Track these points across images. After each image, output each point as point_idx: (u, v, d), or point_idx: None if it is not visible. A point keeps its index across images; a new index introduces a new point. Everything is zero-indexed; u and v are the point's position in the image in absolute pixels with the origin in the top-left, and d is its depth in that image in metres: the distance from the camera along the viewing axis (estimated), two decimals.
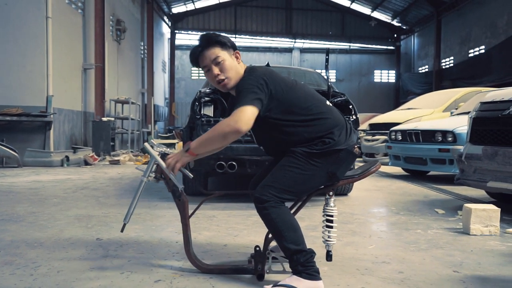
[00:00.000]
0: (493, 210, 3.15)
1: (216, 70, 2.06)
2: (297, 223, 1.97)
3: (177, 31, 27.99)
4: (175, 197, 2.17)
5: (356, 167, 2.36)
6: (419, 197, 4.97)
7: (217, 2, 27.25)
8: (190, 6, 26.97)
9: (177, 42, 28.15)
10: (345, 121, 2.14)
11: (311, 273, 1.90)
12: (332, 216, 2.09)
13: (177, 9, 26.83)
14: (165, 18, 25.30)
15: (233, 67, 2.07)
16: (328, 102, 2.16)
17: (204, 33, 2.16)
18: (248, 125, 1.88)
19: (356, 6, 27.93)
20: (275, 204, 1.94)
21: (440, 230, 3.27)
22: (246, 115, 1.87)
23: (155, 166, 2.13)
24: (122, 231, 2.17)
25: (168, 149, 2.20)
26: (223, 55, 2.06)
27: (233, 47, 2.12)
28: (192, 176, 2.28)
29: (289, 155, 2.02)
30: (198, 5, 27.07)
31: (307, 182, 2.01)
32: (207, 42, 2.08)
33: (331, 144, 2.00)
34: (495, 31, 18.37)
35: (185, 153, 1.99)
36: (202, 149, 1.98)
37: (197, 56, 2.10)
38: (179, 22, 28.06)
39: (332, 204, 2.09)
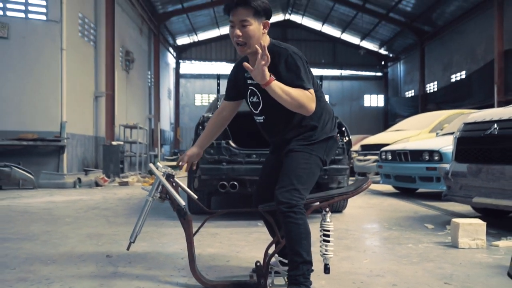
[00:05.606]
0: (479, 224, 3.12)
1: (238, 32, 1.97)
2: None
3: (181, 61, 28.29)
4: (180, 216, 2.15)
5: (349, 184, 2.34)
6: (409, 213, 4.93)
7: (218, 34, 27.58)
8: (193, 38, 27.31)
9: (181, 71, 28.40)
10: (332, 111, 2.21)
11: (308, 286, 1.87)
12: (329, 230, 2.06)
13: (181, 41, 27.16)
14: (171, 49, 25.59)
15: (255, 35, 1.97)
16: None
17: None
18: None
19: (346, 36, 28.29)
20: (302, 210, 1.91)
21: (431, 244, 3.23)
22: (314, 98, 1.94)
23: (160, 186, 2.11)
24: (128, 249, 2.14)
25: (172, 169, 2.19)
26: (252, 21, 1.96)
27: (266, 16, 2.01)
28: (197, 197, 2.26)
29: (294, 152, 2.01)
30: (201, 37, 27.41)
31: (315, 174, 2.04)
32: (245, 3, 1.95)
33: (324, 132, 2.06)
34: (475, 58, 18.56)
35: (268, 75, 1.86)
36: (279, 91, 1.87)
37: (230, 9, 1.99)
38: (183, 53, 28.38)
39: (328, 220, 2.07)
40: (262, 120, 2.14)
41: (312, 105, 1.90)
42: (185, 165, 2.27)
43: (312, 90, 1.92)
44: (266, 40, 2.04)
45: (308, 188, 1.98)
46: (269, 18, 2.03)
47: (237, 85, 2.22)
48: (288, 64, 1.95)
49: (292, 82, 1.92)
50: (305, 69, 1.96)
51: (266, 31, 2.03)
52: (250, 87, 2.11)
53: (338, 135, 2.18)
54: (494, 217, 4.39)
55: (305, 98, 1.89)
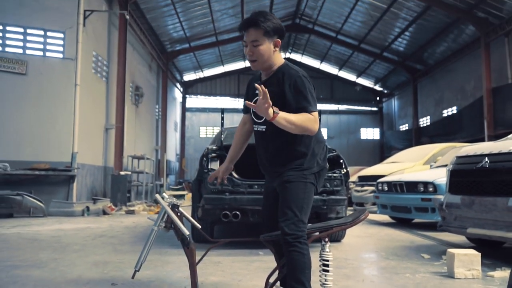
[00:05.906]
0: (474, 255, 3.06)
1: (249, 51, 2.02)
2: None
3: (187, 96, 28.61)
4: (184, 245, 2.13)
5: (348, 214, 2.33)
6: (406, 243, 4.85)
7: (223, 71, 28.04)
8: (199, 74, 27.73)
9: (187, 105, 28.69)
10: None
11: None
12: (328, 260, 2.04)
13: (188, 77, 27.58)
14: (178, 84, 25.95)
15: (266, 53, 2.01)
16: None
17: (259, 11, 2.05)
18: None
19: (343, 74, 28.71)
20: (306, 240, 1.92)
21: (427, 274, 3.17)
22: (317, 120, 1.96)
23: (165, 216, 2.09)
24: (133, 277, 2.11)
25: (177, 200, 2.18)
26: (262, 41, 1.99)
27: (277, 35, 2.02)
28: (200, 226, 2.24)
29: (290, 183, 2.00)
30: (206, 73, 27.84)
31: (312, 200, 2.05)
32: (255, 24, 1.99)
33: (315, 160, 2.06)
34: (465, 94, 18.75)
35: (272, 112, 1.86)
36: (284, 123, 1.88)
37: (243, 30, 2.04)
38: (189, 88, 28.75)
39: (327, 250, 2.05)
40: (263, 130, 2.11)
41: (315, 126, 1.93)
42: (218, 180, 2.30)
43: (315, 113, 1.95)
44: (279, 59, 2.07)
45: (308, 215, 2.00)
46: (281, 37, 2.05)
47: (248, 96, 2.22)
48: (298, 85, 1.99)
49: (298, 102, 1.95)
50: (312, 92, 2.01)
51: (278, 49, 2.06)
52: (257, 97, 2.11)
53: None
54: (489, 247, 4.31)
55: (308, 122, 1.91)
